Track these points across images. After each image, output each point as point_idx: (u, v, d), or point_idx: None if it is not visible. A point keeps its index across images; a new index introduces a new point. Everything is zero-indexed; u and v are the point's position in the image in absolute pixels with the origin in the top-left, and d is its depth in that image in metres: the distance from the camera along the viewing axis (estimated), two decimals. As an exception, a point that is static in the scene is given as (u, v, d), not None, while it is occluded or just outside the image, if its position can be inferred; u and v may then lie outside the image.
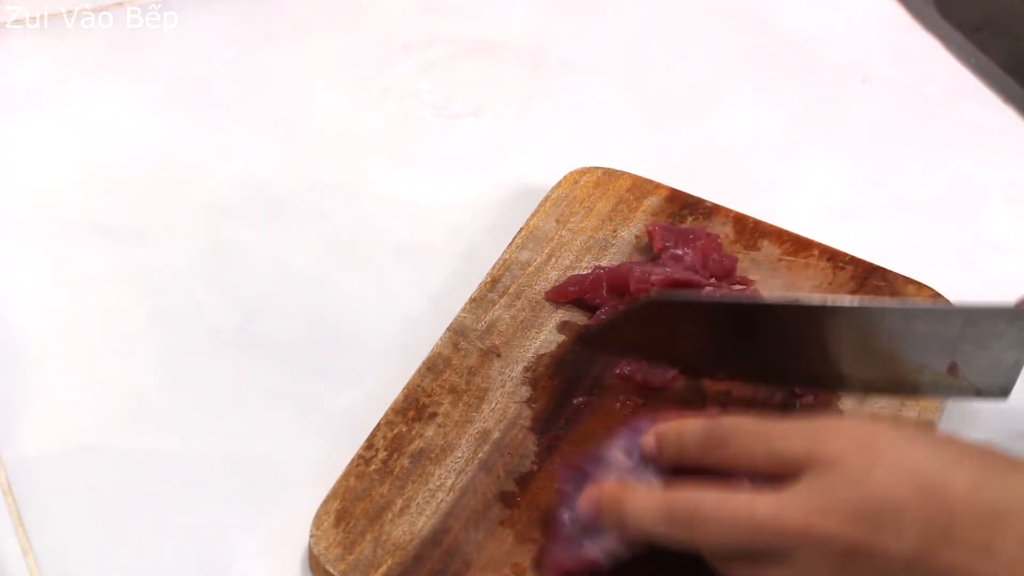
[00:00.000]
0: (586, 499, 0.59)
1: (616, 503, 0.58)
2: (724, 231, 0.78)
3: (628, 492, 0.58)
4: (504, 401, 0.68)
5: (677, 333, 0.66)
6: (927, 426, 0.67)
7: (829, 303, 0.65)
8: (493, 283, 0.74)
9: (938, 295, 0.76)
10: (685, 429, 0.59)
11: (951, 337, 0.64)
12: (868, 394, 0.68)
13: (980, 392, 0.66)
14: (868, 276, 0.76)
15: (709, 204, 0.80)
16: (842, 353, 0.65)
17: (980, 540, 0.51)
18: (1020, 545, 0.51)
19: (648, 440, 0.60)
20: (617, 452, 0.61)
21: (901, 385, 0.66)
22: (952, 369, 0.64)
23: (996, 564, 0.51)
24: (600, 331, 0.69)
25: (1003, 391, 0.66)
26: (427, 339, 0.71)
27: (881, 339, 0.64)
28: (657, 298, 0.64)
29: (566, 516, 0.61)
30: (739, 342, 0.66)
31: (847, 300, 0.69)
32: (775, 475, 0.55)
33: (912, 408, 0.69)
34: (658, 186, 0.81)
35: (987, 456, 0.54)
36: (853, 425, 0.55)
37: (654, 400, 0.68)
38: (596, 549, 0.59)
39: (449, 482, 0.64)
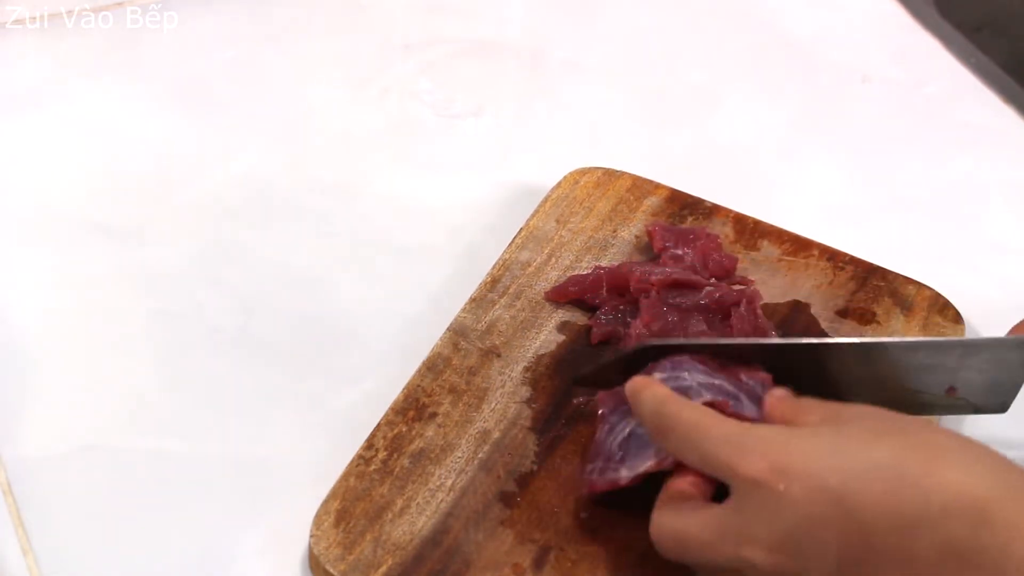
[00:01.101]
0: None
1: None
2: (724, 231, 0.78)
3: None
4: (504, 401, 0.68)
5: None
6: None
7: (827, 342, 0.64)
8: (493, 283, 0.74)
9: (938, 295, 0.76)
10: (642, 397, 0.59)
11: (950, 366, 0.63)
12: None
13: (978, 409, 0.65)
14: (868, 276, 0.76)
15: (709, 204, 0.80)
16: (841, 383, 0.64)
17: (898, 549, 0.51)
18: (937, 551, 0.51)
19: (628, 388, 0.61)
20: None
21: (899, 405, 0.65)
22: (951, 391, 0.64)
23: (919, 569, 0.51)
24: (594, 373, 0.68)
25: (1002, 407, 0.65)
26: (427, 339, 0.71)
27: (880, 370, 0.64)
28: (650, 343, 0.64)
29: (607, 439, 0.62)
30: None
31: (845, 339, 0.68)
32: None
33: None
34: (658, 186, 0.81)
35: (903, 455, 0.53)
36: (771, 438, 0.55)
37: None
38: (628, 474, 0.61)
39: (449, 482, 0.64)
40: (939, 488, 0.51)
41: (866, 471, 0.53)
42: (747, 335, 0.70)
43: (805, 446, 0.54)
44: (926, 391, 0.64)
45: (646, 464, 0.61)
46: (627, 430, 0.62)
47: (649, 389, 0.59)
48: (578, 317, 0.73)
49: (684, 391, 0.61)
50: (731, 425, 0.56)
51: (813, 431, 0.56)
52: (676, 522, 0.57)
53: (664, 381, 0.61)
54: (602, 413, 0.64)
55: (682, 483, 0.58)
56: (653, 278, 0.71)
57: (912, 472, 0.52)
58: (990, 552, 0.50)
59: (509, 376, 0.69)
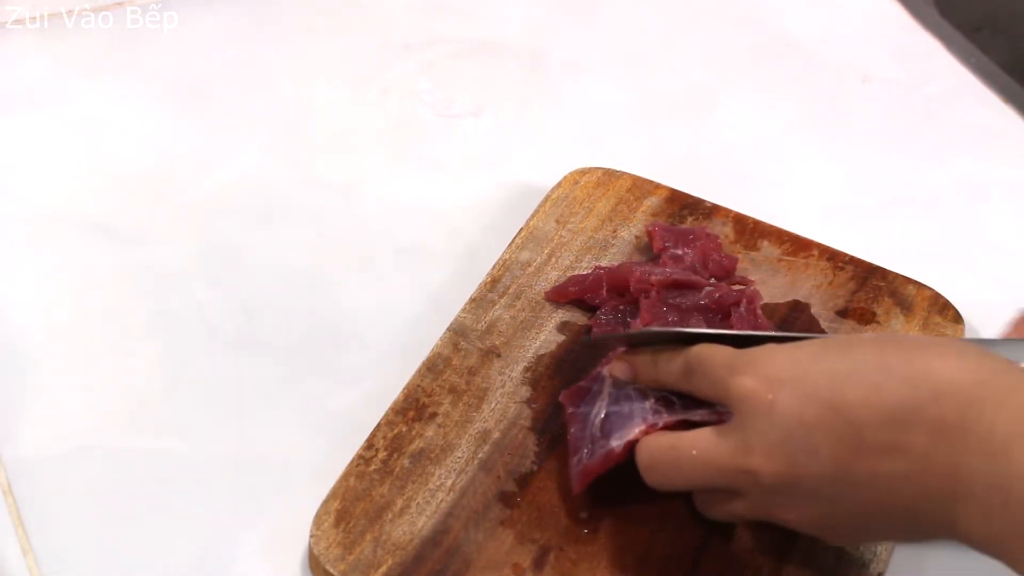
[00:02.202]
0: (618, 365, 0.63)
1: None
2: (724, 231, 0.78)
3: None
4: (504, 401, 0.68)
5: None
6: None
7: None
8: (493, 283, 0.74)
9: (938, 295, 0.76)
10: (660, 357, 0.61)
11: None
12: None
13: None
14: (868, 276, 0.76)
15: (709, 204, 0.80)
16: None
17: (890, 441, 0.53)
18: (929, 437, 0.52)
19: (620, 366, 0.63)
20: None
21: None
22: None
23: (911, 459, 0.53)
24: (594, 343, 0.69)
25: None
26: (427, 339, 0.71)
27: None
28: (654, 330, 0.66)
29: (584, 428, 0.63)
30: None
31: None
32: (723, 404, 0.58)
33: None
34: (658, 186, 0.81)
35: (885, 352, 0.55)
36: (759, 355, 0.57)
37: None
38: (619, 443, 0.61)
39: (449, 482, 0.64)
40: (925, 376, 0.53)
41: (851, 371, 0.54)
42: None
43: (790, 357, 0.57)
44: None
45: (636, 430, 0.61)
46: (601, 413, 0.63)
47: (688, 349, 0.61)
48: (578, 317, 0.73)
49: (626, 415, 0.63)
50: (727, 350, 0.59)
51: (797, 345, 0.58)
52: (670, 438, 0.59)
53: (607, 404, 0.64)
54: (571, 412, 0.65)
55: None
56: (653, 278, 0.71)
57: (896, 366, 0.54)
58: (977, 431, 0.51)
59: (509, 376, 0.69)
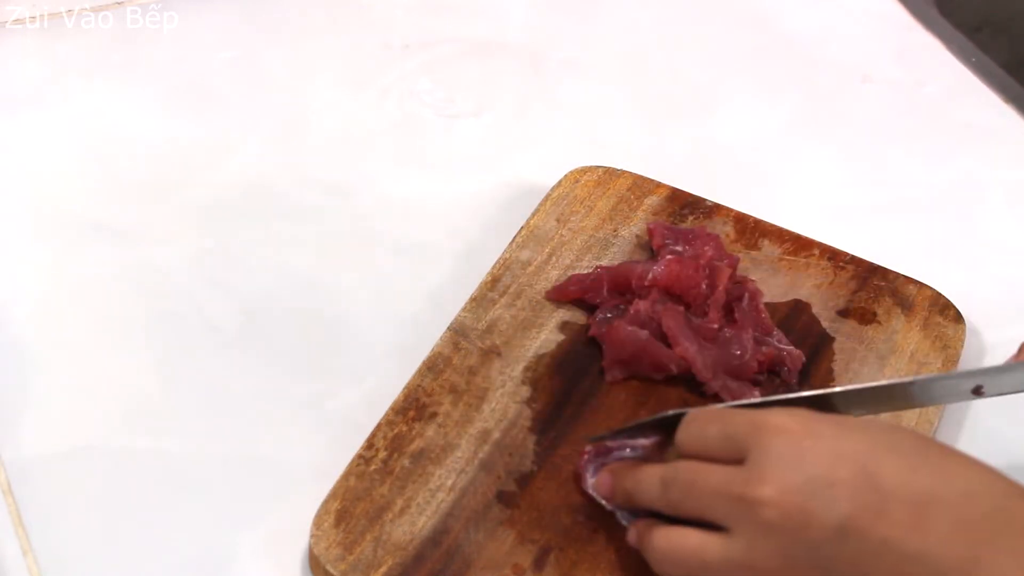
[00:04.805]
0: (602, 482, 0.63)
1: (623, 481, 0.61)
2: (724, 230, 0.78)
3: (633, 471, 0.61)
4: (504, 401, 0.68)
5: None
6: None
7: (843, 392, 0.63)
8: (493, 282, 0.74)
9: (939, 295, 0.76)
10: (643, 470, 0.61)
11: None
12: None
13: None
14: (869, 276, 0.76)
15: (709, 203, 0.80)
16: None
17: (913, 519, 0.53)
18: (953, 526, 0.52)
19: (604, 479, 0.63)
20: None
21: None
22: (977, 391, 0.63)
23: (929, 541, 0.52)
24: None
25: None
26: (427, 339, 0.71)
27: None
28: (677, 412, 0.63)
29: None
30: None
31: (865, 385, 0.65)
32: (731, 459, 0.57)
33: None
34: (659, 185, 0.81)
35: (922, 444, 0.56)
36: (802, 412, 0.58)
37: (655, 398, 0.69)
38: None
39: (449, 482, 0.64)
40: (960, 474, 0.54)
41: (891, 446, 0.55)
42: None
43: (835, 419, 0.57)
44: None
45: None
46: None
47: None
48: (578, 317, 0.73)
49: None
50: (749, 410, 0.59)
51: (839, 416, 0.59)
52: (687, 467, 0.58)
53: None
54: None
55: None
56: (652, 276, 0.71)
57: (935, 457, 0.55)
58: (1008, 531, 0.52)
59: (509, 376, 0.69)
